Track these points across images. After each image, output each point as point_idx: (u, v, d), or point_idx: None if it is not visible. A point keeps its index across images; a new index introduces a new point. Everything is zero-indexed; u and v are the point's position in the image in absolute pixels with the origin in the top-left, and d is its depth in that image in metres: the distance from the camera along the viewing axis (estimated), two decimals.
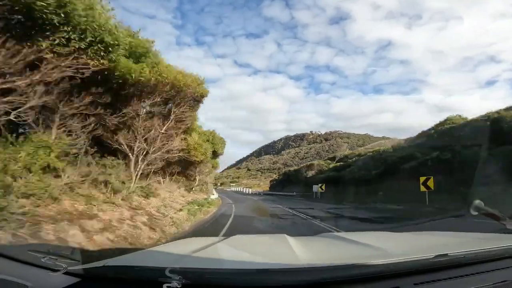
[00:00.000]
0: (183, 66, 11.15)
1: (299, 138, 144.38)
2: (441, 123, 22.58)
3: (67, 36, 5.36)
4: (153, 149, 10.39)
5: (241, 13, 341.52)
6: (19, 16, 5.04)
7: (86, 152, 7.33)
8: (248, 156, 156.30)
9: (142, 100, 9.43)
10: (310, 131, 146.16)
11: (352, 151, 63.29)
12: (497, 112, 18.36)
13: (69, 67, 5.56)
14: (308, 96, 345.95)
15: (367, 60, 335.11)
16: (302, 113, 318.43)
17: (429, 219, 5.77)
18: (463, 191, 11.35)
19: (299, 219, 10.73)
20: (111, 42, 6.17)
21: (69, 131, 6.56)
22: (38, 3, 4.69)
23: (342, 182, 26.16)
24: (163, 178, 15.78)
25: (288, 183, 46.00)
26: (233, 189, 67.07)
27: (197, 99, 11.33)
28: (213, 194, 22.53)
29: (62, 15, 5.03)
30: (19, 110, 5.00)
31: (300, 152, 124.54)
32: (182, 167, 16.52)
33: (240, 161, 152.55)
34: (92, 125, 7.02)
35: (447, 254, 1.06)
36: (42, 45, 5.11)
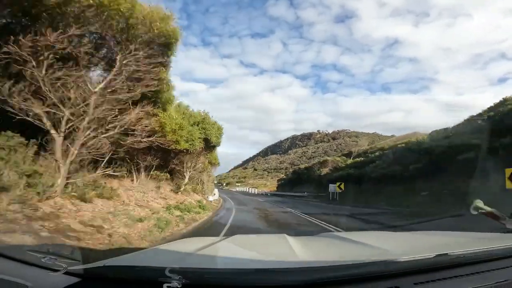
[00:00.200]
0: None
1: (306, 137, 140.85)
2: (499, 104, 18.07)
3: None
4: (86, 122, 6.34)
5: (246, 13, 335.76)
6: None
7: None
8: (254, 156, 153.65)
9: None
10: (317, 130, 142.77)
11: (370, 146, 57.62)
12: None
13: None
14: (315, 96, 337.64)
15: (374, 59, 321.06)
16: (309, 113, 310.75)
17: None
18: None
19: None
20: None
21: None
22: None
23: (365, 180, 22.85)
24: (136, 174, 11.81)
25: (298, 182, 41.15)
26: (238, 189, 64.73)
27: (163, 44, 7.11)
28: (213, 195, 19.43)
29: None
30: None
31: (307, 151, 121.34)
32: (161, 159, 12.40)
33: (246, 161, 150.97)
34: None
35: (447, 253, 1.06)
36: None
